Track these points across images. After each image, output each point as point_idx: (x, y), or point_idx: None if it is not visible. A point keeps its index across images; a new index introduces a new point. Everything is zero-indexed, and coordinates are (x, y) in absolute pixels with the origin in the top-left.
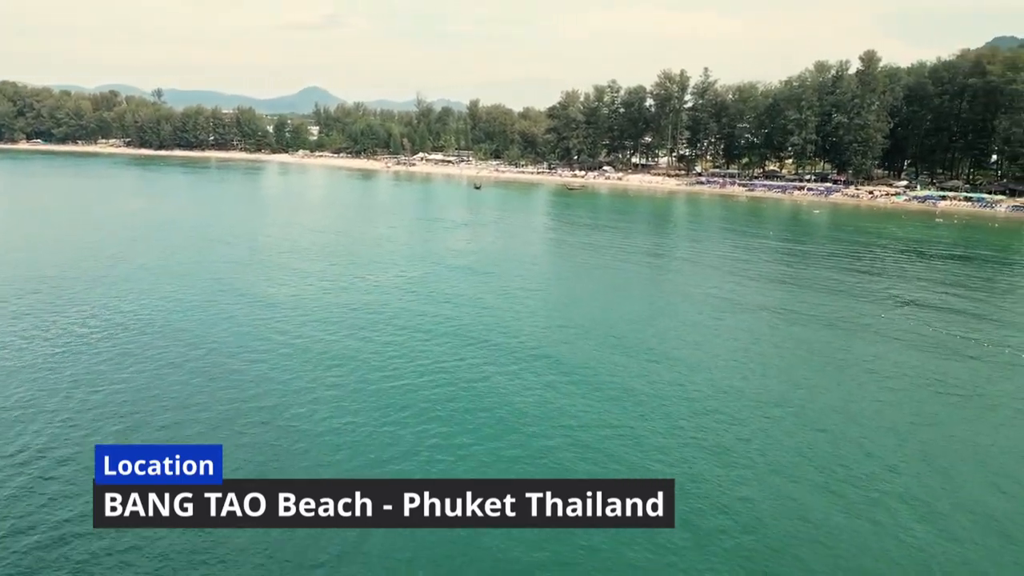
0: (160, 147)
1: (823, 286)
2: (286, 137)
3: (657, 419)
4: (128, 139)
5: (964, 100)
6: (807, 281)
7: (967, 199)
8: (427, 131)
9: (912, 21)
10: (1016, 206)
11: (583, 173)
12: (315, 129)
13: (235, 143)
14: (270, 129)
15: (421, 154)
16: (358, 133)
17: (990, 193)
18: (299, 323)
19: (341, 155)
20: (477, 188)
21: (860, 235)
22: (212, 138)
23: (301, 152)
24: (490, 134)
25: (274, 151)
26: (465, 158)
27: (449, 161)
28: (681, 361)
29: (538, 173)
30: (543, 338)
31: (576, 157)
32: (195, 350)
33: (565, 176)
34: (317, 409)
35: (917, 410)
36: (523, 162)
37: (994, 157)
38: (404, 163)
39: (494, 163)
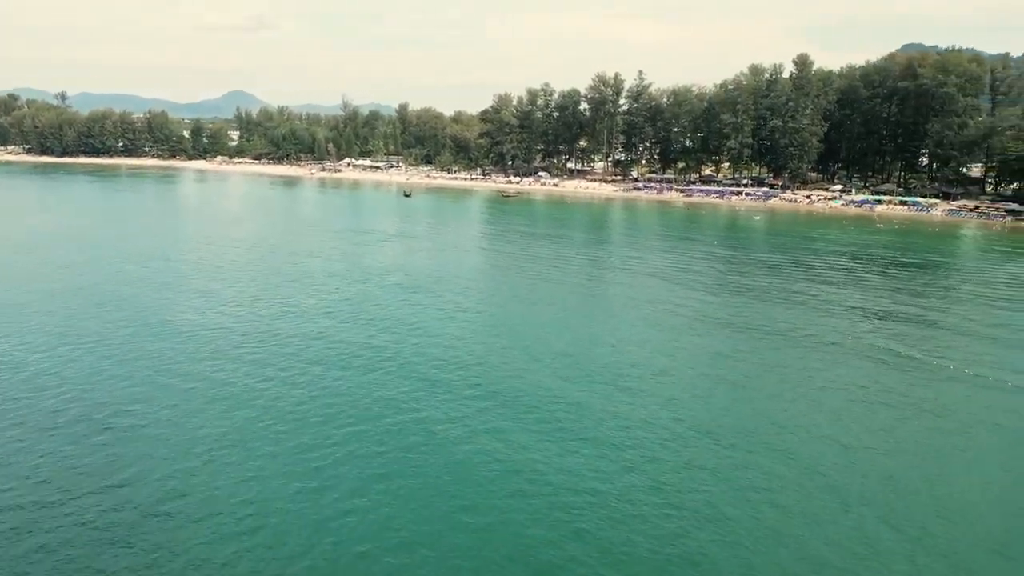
0: (63, 154)
1: (777, 297)
2: (203, 143)
3: (613, 472)
4: (28, 146)
5: (894, 104)
6: (759, 292)
7: (902, 203)
8: (354, 136)
9: (830, 30)
10: (951, 210)
11: (518, 179)
12: (236, 134)
13: (147, 149)
14: (186, 134)
15: (347, 160)
16: (280, 138)
17: (924, 197)
18: (202, 358)
19: (262, 161)
20: (407, 196)
21: (804, 242)
22: (121, 144)
23: (219, 159)
24: (421, 139)
25: (190, 157)
26: (394, 164)
27: (377, 167)
28: (633, 392)
29: (471, 179)
30: (483, 369)
31: (511, 162)
32: (71, 404)
33: (500, 182)
34: (208, 487)
35: (853, 420)
36: (455, 168)
37: (924, 160)
38: (329, 169)
39: (425, 169)
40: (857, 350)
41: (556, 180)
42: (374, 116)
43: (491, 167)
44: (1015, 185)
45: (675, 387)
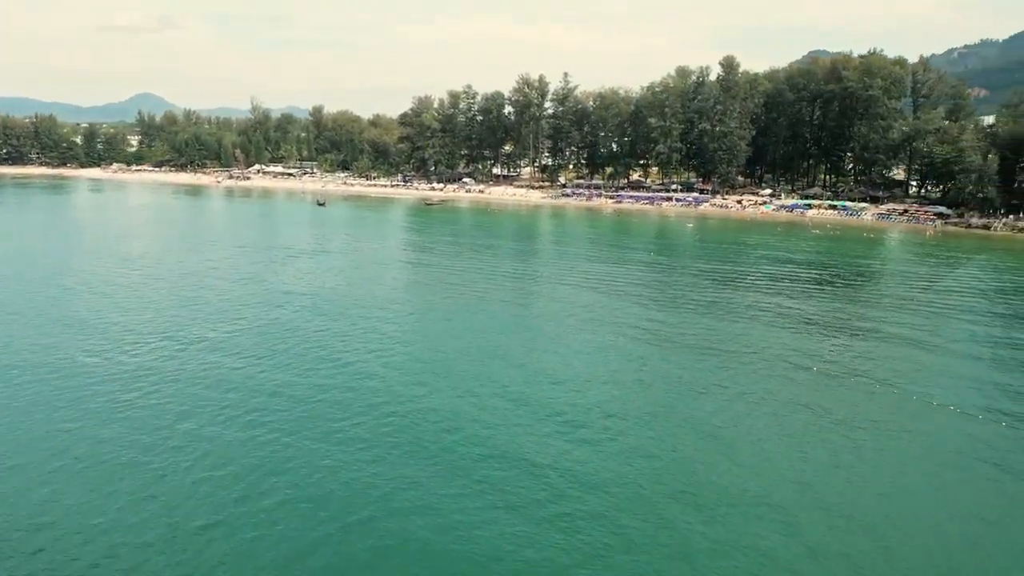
0: None
1: (720, 310)
2: (98, 149)
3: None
4: None
5: (817, 107)
6: (702, 305)
7: (832, 207)
8: (264, 140)
9: (743, 36)
10: (881, 214)
11: (441, 186)
12: (136, 140)
13: (33, 157)
14: (78, 140)
15: (258, 166)
16: (183, 144)
17: (852, 200)
18: (75, 407)
19: (163, 169)
20: (321, 204)
21: (742, 250)
22: (4, 151)
23: (115, 166)
24: (337, 143)
25: (83, 165)
26: (309, 170)
27: (290, 174)
28: (571, 423)
29: (392, 186)
30: (408, 409)
31: (433, 168)
32: None
33: (422, 189)
34: None
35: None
36: (375, 174)
37: (850, 164)
38: (237, 177)
39: (342, 175)
40: (799, 364)
41: (482, 186)
42: (287, 120)
43: (413, 173)
44: (939, 188)
45: (615, 414)
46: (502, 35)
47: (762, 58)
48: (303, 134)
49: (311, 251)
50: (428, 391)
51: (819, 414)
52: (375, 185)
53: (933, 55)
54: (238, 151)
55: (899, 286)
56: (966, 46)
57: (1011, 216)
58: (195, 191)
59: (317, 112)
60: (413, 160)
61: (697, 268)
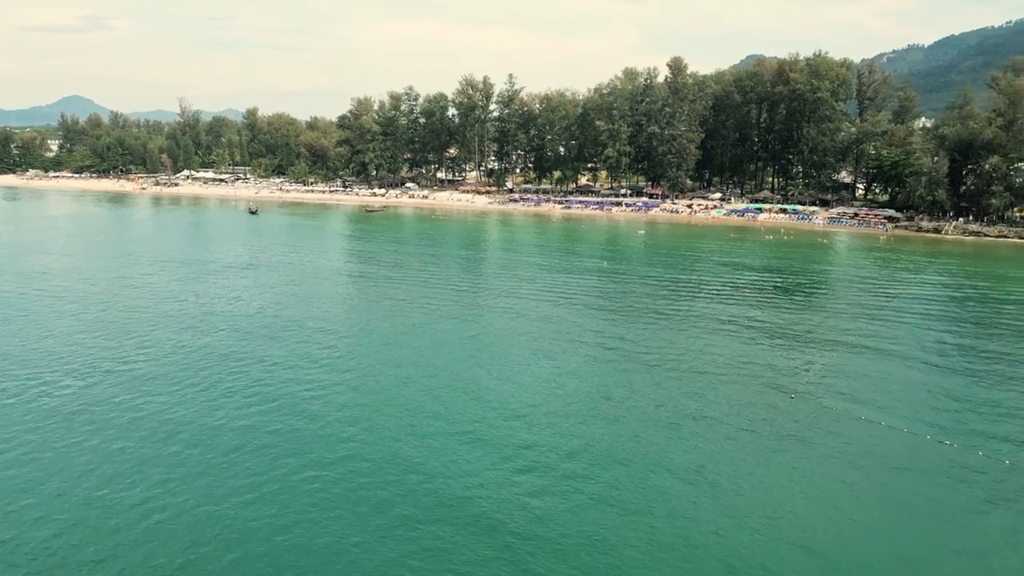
0: None
1: (679, 322)
2: (13, 154)
3: None
4: None
5: (764, 109)
6: (661, 318)
7: (783, 211)
8: (194, 145)
9: (682, 43)
10: (832, 217)
11: (383, 191)
12: (56, 144)
13: None
14: None
15: (186, 172)
16: (104, 148)
17: (802, 204)
18: None
19: (84, 175)
20: (253, 212)
21: (697, 258)
22: None
23: (31, 173)
24: (272, 147)
25: None
26: (241, 176)
27: (222, 180)
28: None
29: (331, 192)
30: (339, 455)
31: (374, 173)
32: None
33: (363, 195)
34: None
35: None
36: (312, 179)
37: (799, 167)
38: (164, 183)
39: (277, 181)
40: (773, 384)
41: (425, 192)
42: (219, 123)
43: (353, 178)
44: (888, 191)
45: (571, 433)
46: (447, 37)
47: (701, 62)
48: (236, 138)
49: (239, 265)
50: (364, 431)
51: (810, 446)
52: (313, 191)
53: (863, 60)
54: (164, 156)
55: (862, 294)
56: (894, 51)
57: (960, 219)
58: (118, 199)
59: (252, 114)
60: (353, 165)
61: (651, 278)
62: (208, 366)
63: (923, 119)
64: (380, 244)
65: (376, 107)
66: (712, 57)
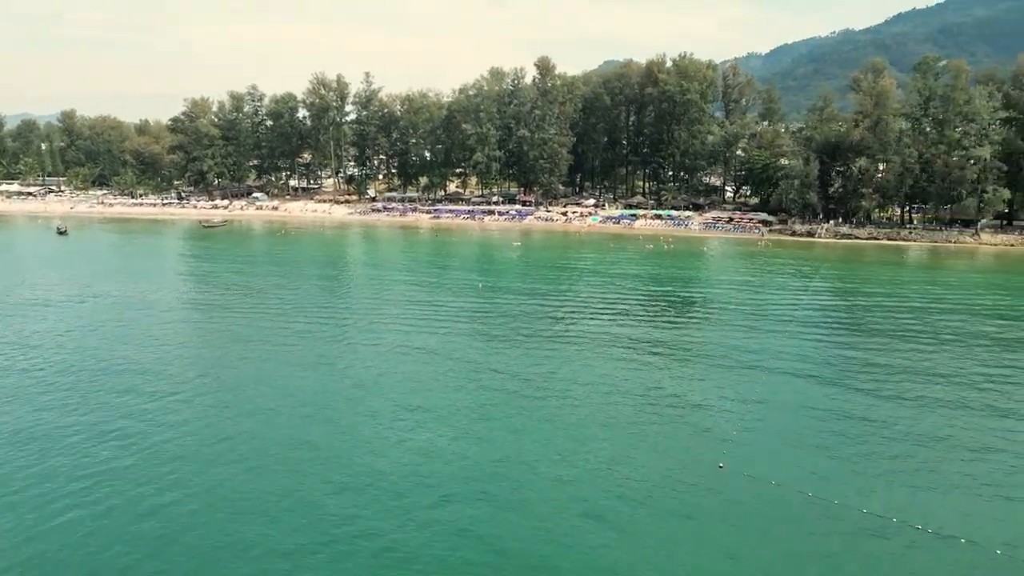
0: None
1: (574, 349)
2: None
3: None
4: None
5: (633, 111)
6: (546, 347)
7: (657, 216)
8: None
9: (543, 46)
10: (707, 223)
11: (226, 203)
12: None
13: None
14: None
15: None
16: None
17: (676, 209)
18: None
19: None
20: (62, 233)
21: (579, 274)
22: None
23: None
24: (94, 154)
25: None
26: (54, 188)
27: (29, 193)
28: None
29: (163, 205)
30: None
31: (215, 182)
32: None
33: (203, 208)
34: None
35: None
36: (142, 191)
37: (670, 171)
38: None
39: (99, 193)
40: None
41: (276, 202)
42: (28, 127)
43: (190, 189)
44: (757, 193)
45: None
46: (299, 38)
47: (563, 66)
48: (44, 145)
49: (29, 303)
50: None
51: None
52: (142, 204)
53: (725, 62)
54: None
55: (754, 306)
56: (736, 59)
57: (831, 222)
58: None
59: (68, 117)
60: (189, 173)
61: (532, 296)
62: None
63: (787, 122)
64: (220, 267)
65: (215, 109)
66: (573, 61)
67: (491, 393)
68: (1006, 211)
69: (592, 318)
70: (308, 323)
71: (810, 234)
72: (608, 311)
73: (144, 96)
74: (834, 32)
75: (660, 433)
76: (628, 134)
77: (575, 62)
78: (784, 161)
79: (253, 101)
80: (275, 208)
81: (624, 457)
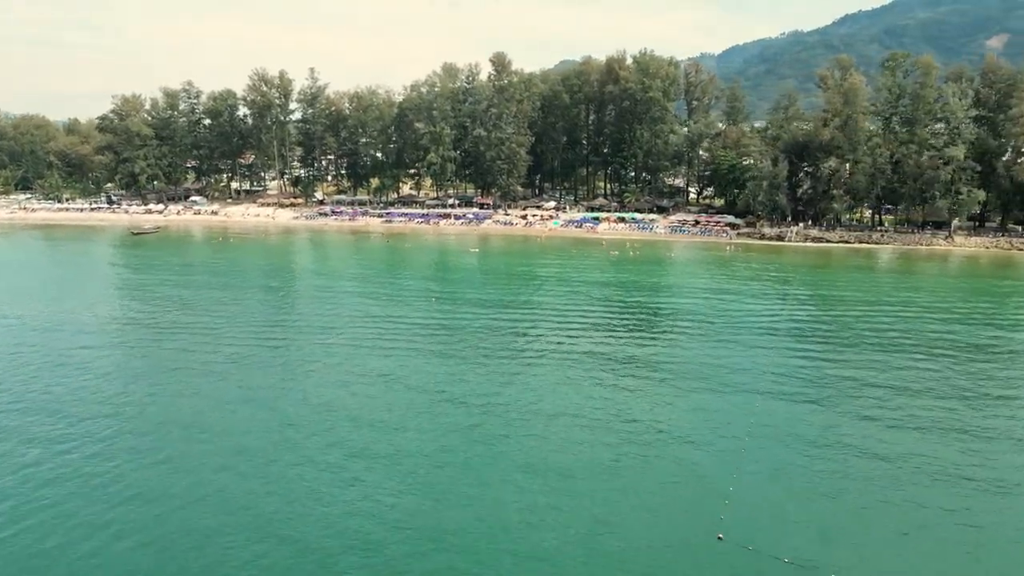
0: None
1: (535, 372)
2: None
3: None
4: None
5: (593, 110)
6: (504, 370)
7: (621, 220)
8: None
9: (498, 45)
10: (672, 226)
11: (161, 207)
12: None
13: None
14: None
15: None
16: None
17: (640, 211)
18: None
19: None
20: None
21: (539, 285)
22: None
23: None
24: (17, 156)
25: None
26: None
27: None
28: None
29: (92, 209)
30: None
31: (151, 185)
32: None
33: (136, 213)
34: None
35: None
36: (68, 194)
37: (632, 171)
38: None
39: (21, 198)
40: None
41: (215, 206)
42: None
43: (122, 192)
44: (723, 195)
45: None
46: (250, 37)
47: (520, 64)
48: None
49: None
50: None
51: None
52: (68, 210)
53: (688, 59)
54: None
55: (729, 320)
56: (690, 59)
57: (800, 224)
58: None
59: None
60: (119, 176)
61: (491, 309)
62: None
63: (751, 122)
64: (149, 279)
65: (148, 106)
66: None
67: (447, 432)
68: (978, 212)
69: (557, 333)
70: (242, 346)
71: (779, 237)
72: (575, 325)
73: (92, 94)
74: (784, 33)
75: (648, 486)
76: (588, 133)
77: (528, 62)
78: (750, 161)
79: (189, 98)
80: (215, 213)
81: (609, 521)
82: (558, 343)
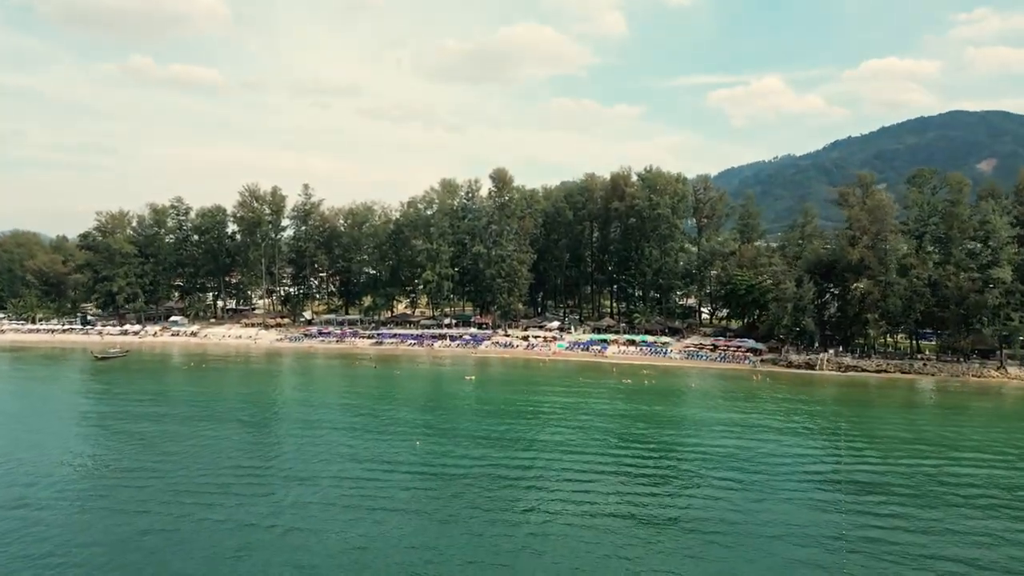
0: None
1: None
2: None
3: None
4: None
5: (596, 226)
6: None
7: (631, 342)
8: None
9: (497, 165)
10: (688, 351)
11: (138, 328)
12: None
13: None
14: None
15: None
16: None
17: (651, 333)
18: None
19: None
20: None
21: (542, 423)
22: None
23: None
24: None
25: None
26: None
27: None
28: None
29: (63, 331)
30: None
31: (129, 304)
32: None
33: (109, 334)
34: None
35: None
36: (42, 314)
37: (639, 291)
38: None
39: None
40: None
41: (196, 327)
42: None
43: (99, 312)
44: (741, 317)
45: None
46: (259, 164)
47: (519, 182)
48: None
49: None
50: None
51: None
52: (39, 331)
53: (697, 175)
54: None
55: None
56: (697, 175)
57: (831, 350)
58: None
59: None
60: (96, 295)
61: (489, 456)
62: None
63: (766, 240)
64: (110, 410)
65: (134, 223)
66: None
67: None
68: None
69: (565, 486)
70: (197, 504)
71: (809, 365)
72: (586, 474)
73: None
74: (776, 157)
75: None
76: (592, 251)
77: (529, 180)
78: (768, 281)
79: (178, 215)
80: (194, 334)
81: None
82: (566, 500)
